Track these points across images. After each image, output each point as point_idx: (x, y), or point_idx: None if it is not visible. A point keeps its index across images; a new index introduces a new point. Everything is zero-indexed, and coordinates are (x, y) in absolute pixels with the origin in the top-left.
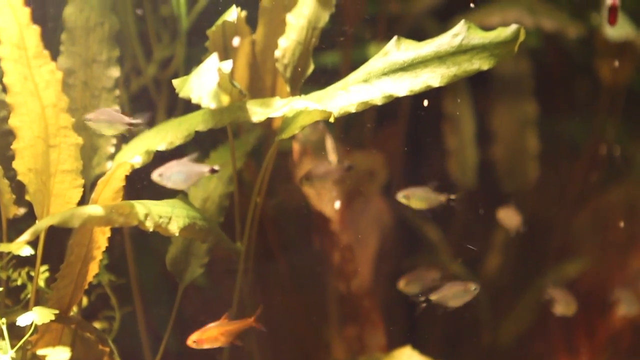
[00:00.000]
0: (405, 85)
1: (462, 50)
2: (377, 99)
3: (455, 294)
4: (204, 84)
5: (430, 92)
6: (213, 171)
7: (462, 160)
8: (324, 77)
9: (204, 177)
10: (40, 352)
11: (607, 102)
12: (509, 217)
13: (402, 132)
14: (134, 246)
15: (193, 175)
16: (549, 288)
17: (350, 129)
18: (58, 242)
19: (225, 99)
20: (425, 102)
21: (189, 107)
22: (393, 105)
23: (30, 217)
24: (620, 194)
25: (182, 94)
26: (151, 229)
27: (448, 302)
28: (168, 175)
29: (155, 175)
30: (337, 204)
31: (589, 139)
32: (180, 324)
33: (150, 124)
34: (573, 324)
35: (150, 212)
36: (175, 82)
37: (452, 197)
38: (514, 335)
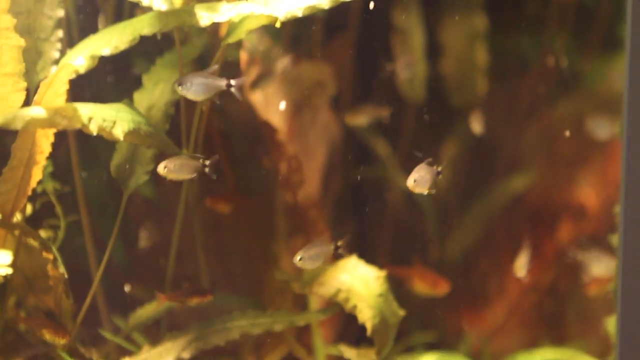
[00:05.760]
0: None
1: None
2: (325, 2)
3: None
4: None
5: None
6: (229, 86)
7: (411, 74)
8: None
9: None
10: None
11: (557, 16)
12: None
13: (351, 43)
14: (80, 154)
15: (211, 87)
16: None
17: (298, 39)
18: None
19: (178, 1)
20: (372, 5)
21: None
22: (342, 15)
23: None
24: (568, 108)
25: None
26: (95, 133)
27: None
28: (187, 85)
29: (175, 85)
30: (283, 107)
31: (539, 53)
32: (125, 234)
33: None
34: (519, 240)
35: (94, 115)
36: None
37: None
38: (460, 251)
